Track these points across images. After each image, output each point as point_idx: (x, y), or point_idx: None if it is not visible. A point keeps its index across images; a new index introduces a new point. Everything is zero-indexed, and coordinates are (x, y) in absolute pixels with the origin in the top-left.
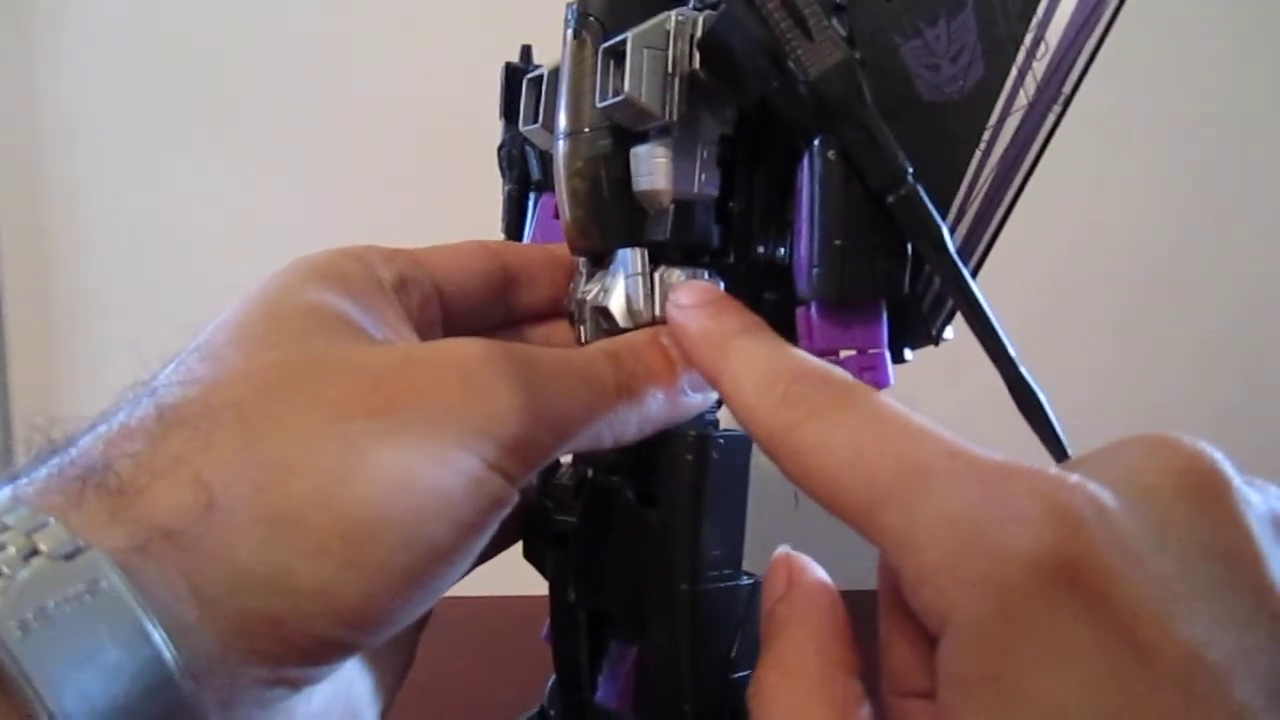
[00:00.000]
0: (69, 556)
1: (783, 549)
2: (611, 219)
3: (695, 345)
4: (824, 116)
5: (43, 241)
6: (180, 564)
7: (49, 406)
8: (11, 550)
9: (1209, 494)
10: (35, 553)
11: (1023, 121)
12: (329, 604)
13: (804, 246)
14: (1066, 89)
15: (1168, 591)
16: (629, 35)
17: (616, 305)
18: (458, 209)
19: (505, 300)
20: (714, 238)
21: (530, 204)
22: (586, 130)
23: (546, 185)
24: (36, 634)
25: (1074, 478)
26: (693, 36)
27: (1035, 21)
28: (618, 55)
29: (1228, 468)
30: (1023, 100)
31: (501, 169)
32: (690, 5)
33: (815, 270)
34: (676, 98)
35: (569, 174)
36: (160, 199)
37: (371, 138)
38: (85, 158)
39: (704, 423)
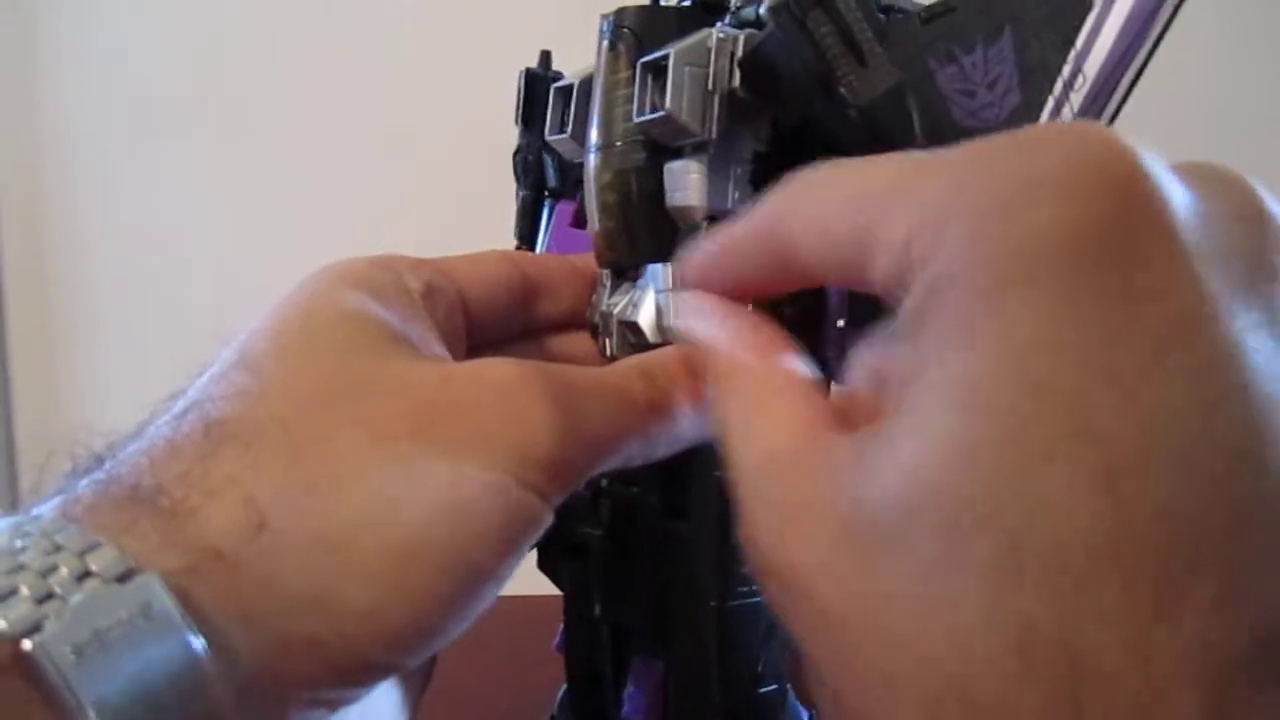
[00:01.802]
0: (121, 579)
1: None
2: (641, 233)
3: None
4: (873, 141)
5: (43, 242)
6: (229, 586)
7: (49, 405)
8: (64, 571)
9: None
10: (88, 574)
11: None
12: (375, 627)
13: None
14: (1104, 120)
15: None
16: (671, 51)
17: (646, 320)
18: (459, 209)
19: (526, 311)
20: None
21: (545, 211)
22: (618, 144)
23: (563, 193)
24: (90, 658)
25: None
26: (733, 55)
27: (1074, 54)
28: (657, 70)
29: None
30: None
31: (516, 175)
32: (728, 22)
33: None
34: (716, 115)
35: (599, 187)
36: (160, 200)
37: (372, 140)
38: (85, 158)
39: None
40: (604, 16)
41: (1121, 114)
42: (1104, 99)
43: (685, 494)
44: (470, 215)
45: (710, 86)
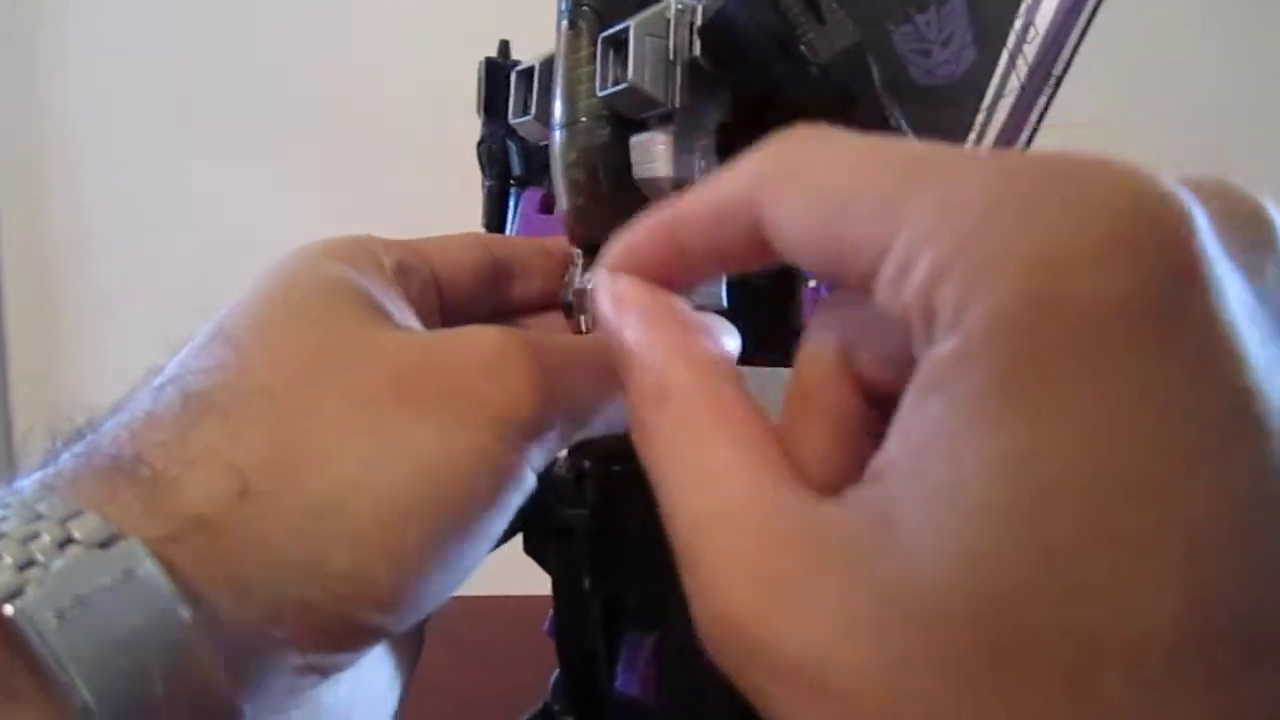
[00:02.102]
0: (104, 544)
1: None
2: (611, 208)
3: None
4: (835, 100)
5: (43, 242)
6: (215, 552)
7: (49, 407)
8: (46, 539)
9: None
10: (70, 541)
11: (1015, 105)
12: (365, 589)
13: None
14: (1057, 70)
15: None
16: (631, 23)
17: None
18: (458, 209)
19: (497, 292)
20: None
21: (511, 200)
22: (583, 120)
23: (529, 181)
24: (72, 623)
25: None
26: (692, 24)
27: (1024, 6)
28: (618, 43)
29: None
30: (1014, 84)
31: (481, 165)
32: None
33: None
34: (679, 85)
35: (566, 165)
36: (160, 200)
37: (371, 140)
38: (86, 158)
39: None
40: None
41: (1120, 115)
42: (1055, 51)
43: None
44: (468, 215)
45: (671, 56)
